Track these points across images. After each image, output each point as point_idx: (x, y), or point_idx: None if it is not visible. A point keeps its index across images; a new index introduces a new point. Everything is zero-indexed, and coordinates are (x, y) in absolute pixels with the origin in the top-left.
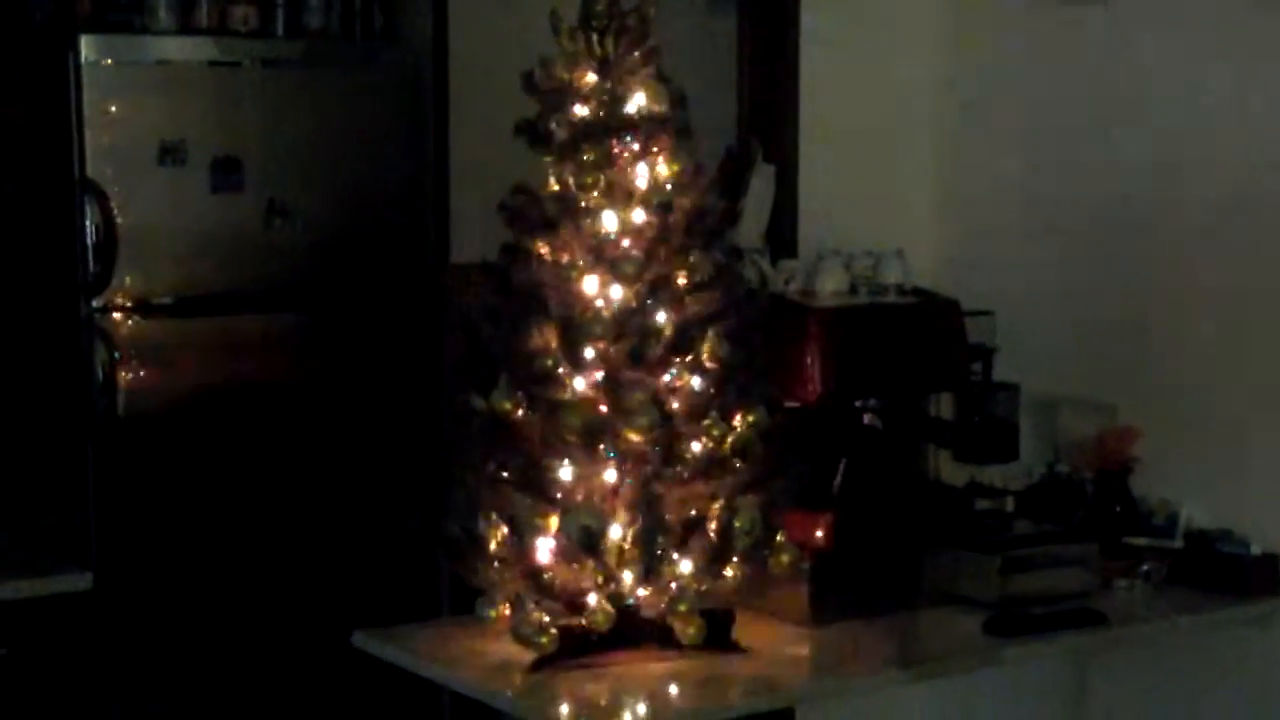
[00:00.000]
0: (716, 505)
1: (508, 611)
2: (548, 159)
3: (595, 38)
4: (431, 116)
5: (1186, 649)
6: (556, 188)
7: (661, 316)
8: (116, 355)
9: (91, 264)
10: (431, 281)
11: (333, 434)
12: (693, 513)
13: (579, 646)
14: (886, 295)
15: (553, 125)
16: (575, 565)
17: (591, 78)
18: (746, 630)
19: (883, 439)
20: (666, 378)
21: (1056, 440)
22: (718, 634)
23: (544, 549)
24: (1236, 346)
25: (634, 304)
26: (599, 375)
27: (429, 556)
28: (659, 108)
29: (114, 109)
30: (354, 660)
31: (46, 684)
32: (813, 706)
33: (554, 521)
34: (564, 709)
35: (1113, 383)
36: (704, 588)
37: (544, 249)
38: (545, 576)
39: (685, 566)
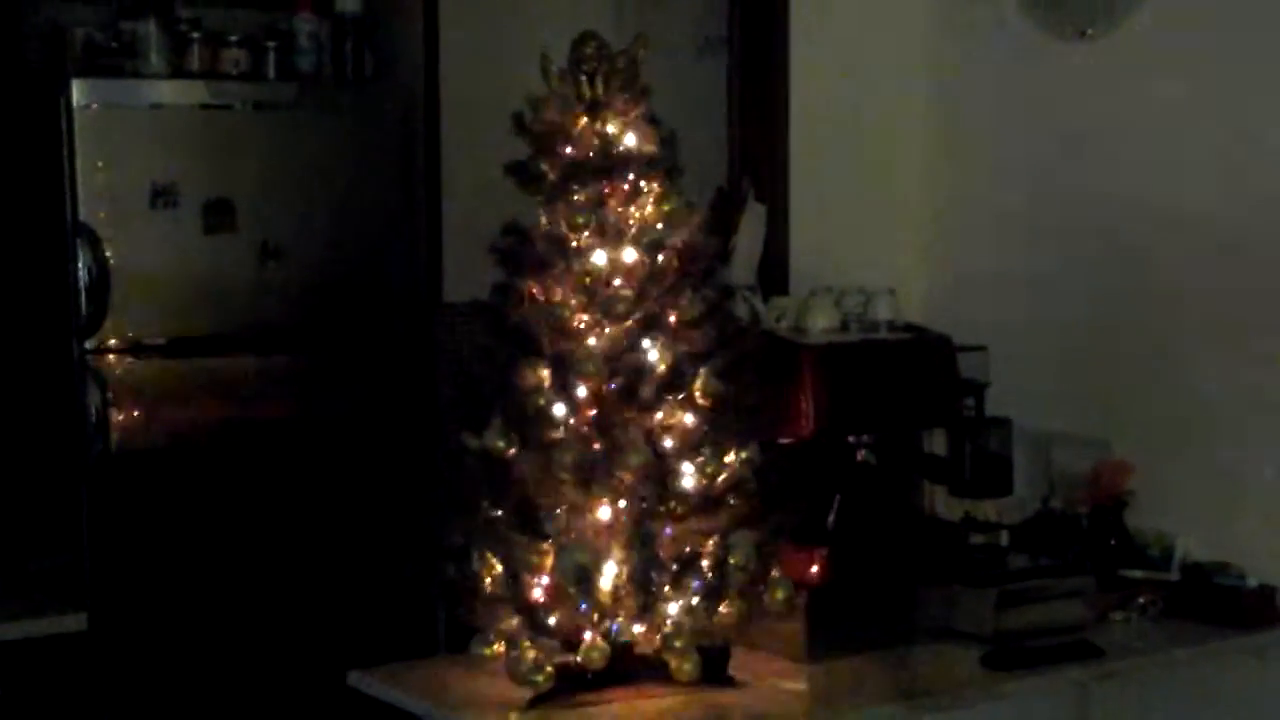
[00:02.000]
0: (711, 542)
1: (503, 650)
2: (538, 199)
3: (585, 80)
4: (423, 157)
5: (1184, 681)
6: (548, 228)
7: (653, 355)
8: (109, 396)
9: (84, 306)
10: (424, 322)
11: (327, 474)
12: (687, 549)
13: (575, 684)
14: (878, 332)
15: (543, 166)
16: (570, 603)
17: (582, 120)
18: (742, 666)
19: (876, 474)
20: (659, 415)
21: (1050, 475)
22: (713, 670)
23: (539, 587)
24: (1231, 379)
25: (625, 342)
26: (591, 414)
27: (424, 595)
28: (649, 148)
29: (106, 152)
30: (350, 699)
31: None
32: None
33: (548, 560)
34: None
35: (1106, 417)
36: (699, 624)
37: (535, 288)
38: (540, 614)
39: (680, 603)
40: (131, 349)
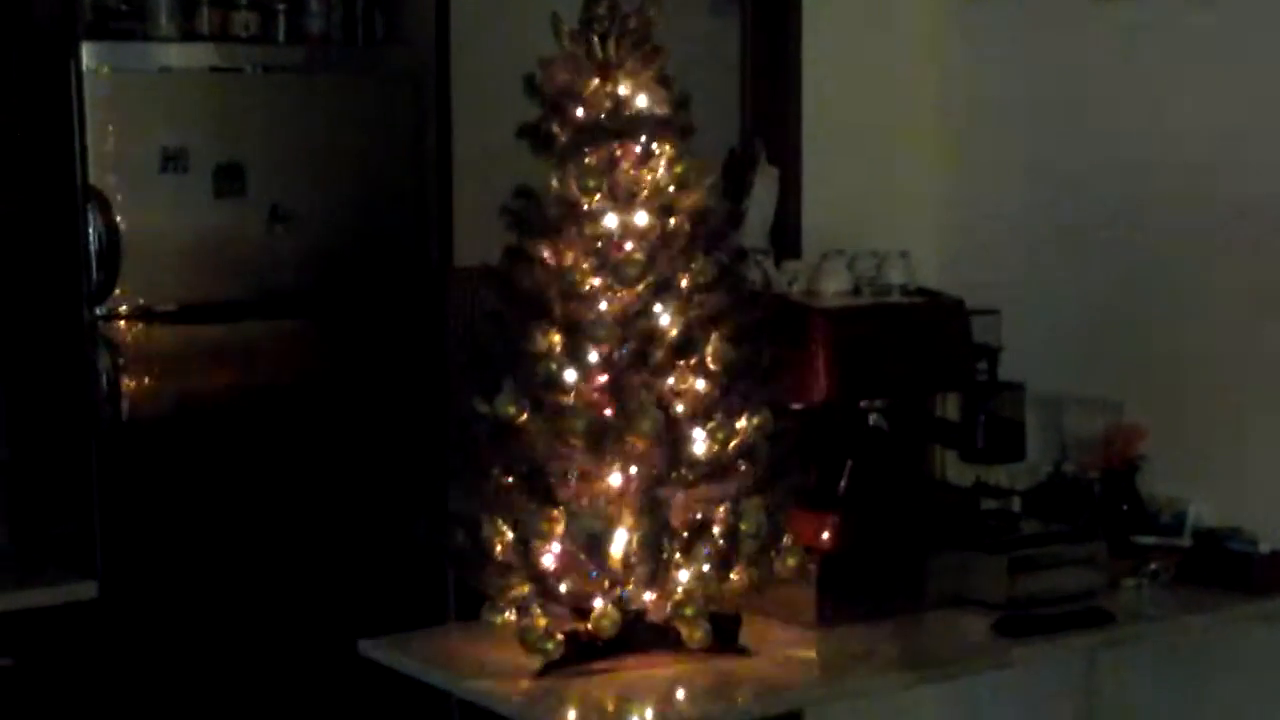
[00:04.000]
0: (722, 508)
1: (514, 617)
2: (550, 162)
3: (597, 40)
4: (434, 120)
5: (1195, 647)
6: (559, 190)
7: (665, 319)
8: (120, 362)
9: (94, 271)
10: (435, 286)
11: (337, 440)
12: (698, 516)
13: (585, 652)
14: (891, 295)
15: (555, 128)
16: (581, 570)
17: (593, 80)
18: (753, 633)
19: (888, 440)
20: (670, 381)
21: (1063, 439)
22: (724, 637)
23: (549, 554)
24: (1244, 344)
25: (637, 307)
26: (603, 379)
27: (435, 562)
28: (661, 110)
29: (116, 116)
30: (361, 667)
31: (52, 694)
32: (821, 709)
33: (559, 526)
34: (571, 714)
35: (1119, 381)
36: (710, 591)
37: (547, 252)
38: (551, 582)
39: (691, 570)
40: (142, 315)
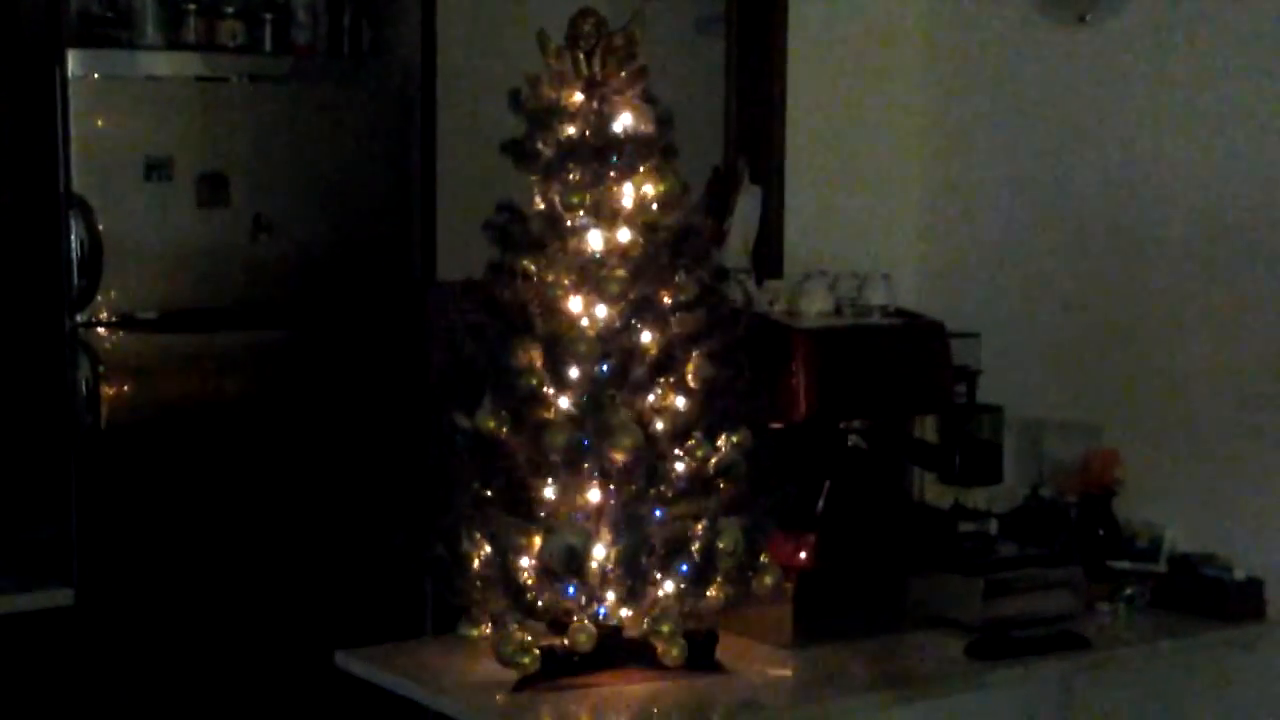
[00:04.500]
0: (700, 526)
1: (490, 631)
2: (534, 177)
3: (582, 58)
4: (419, 132)
5: (1170, 673)
6: (542, 206)
7: (646, 336)
8: (100, 370)
9: (76, 278)
10: (417, 298)
11: (316, 450)
12: (676, 533)
13: (561, 667)
14: (872, 317)
15: (539, 144)
16: (558, 585)
17: (578, 97)
18: (729, 651)
19: (867, 460)
20: (651, 398)
21: (1040, 463)
22: (700, 655)
23: (527, 569)
24: (1222, 370)
25: (618, 323)
26: (583, 395)
27: (412, 575)
28: (646, 128)
29: (100, 124)
30: (337, 679)
31: (27, 700)
32: None
33: (537, 541)
34: None
35: (1097, 406)
36: (687, 608)
37: (530, 267)
38: (528, 596)
39: (668, 587)
40: (123, 322)
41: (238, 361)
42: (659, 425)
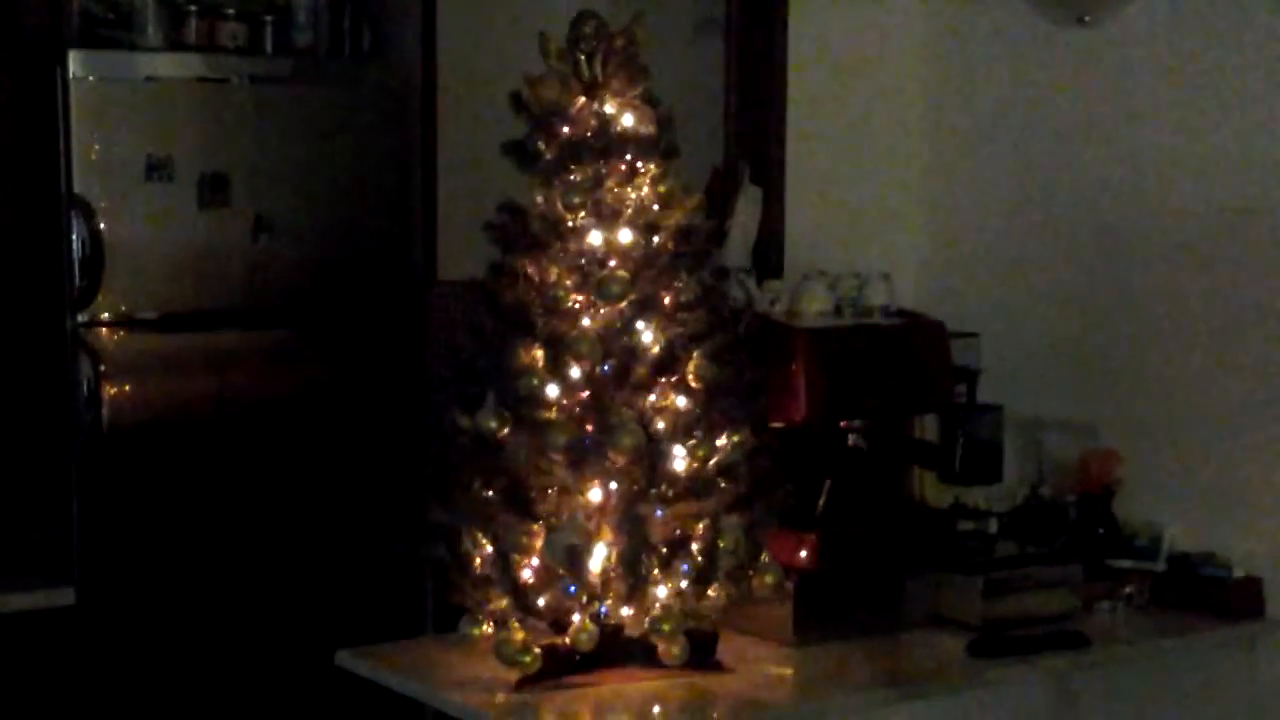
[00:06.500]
0: (701, 525)
1: (491, 630)
2: (535, 179)
3: (584, 59)
4: (419, 133)
5: (1169, 671)
6: (543, 207)
7: (647, 336)
8: (102, 370)
9: (78, 279)
10: (418, 299)
11: (318, 450)
12: (677, 533)
13: (562, 666)
14: (872, 316)
15: (540, 145)
16: (559, 585)
17: (580, 99)
18: (730, 650)
19: (867, 460)
20: (652, 398)
21: (1040, 463)
22: (701, 654)
23: (528, 568)
24: (1221, 369)
25: (619, 324)
26: (584, 395)
27: (413, 574)
28: (647, 129)
29: (102, 125)
30: (338, 678)
31: (28, 700)
32: None
33: (538, 541)
34: None
35: (1097, 405)
36: (688, 607)
37: (530, 268)
38: (529, 596)
39: (669, 586)
40: (124, 323)
41: (238, 362)
42: (660, 425)
